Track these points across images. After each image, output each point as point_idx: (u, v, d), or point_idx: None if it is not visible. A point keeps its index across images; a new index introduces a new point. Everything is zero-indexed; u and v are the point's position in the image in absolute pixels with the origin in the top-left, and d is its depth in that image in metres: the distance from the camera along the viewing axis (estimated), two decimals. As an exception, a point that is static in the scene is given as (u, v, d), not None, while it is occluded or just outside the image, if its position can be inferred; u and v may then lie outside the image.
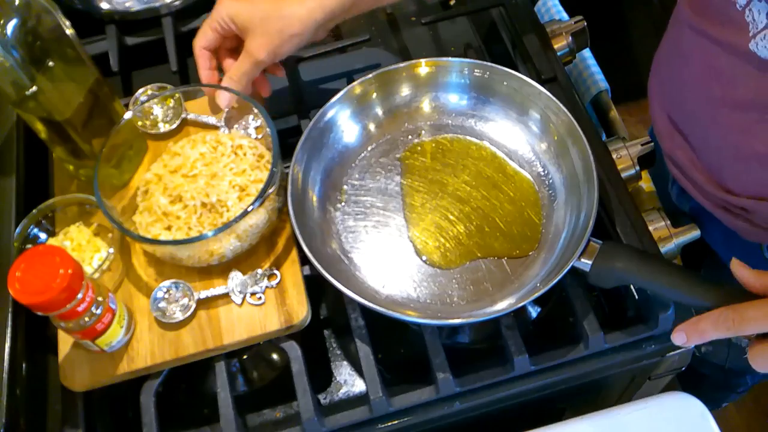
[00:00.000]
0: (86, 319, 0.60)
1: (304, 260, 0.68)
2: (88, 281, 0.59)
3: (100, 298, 0.61)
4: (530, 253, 0.70)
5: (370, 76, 0.76)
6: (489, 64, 0.76)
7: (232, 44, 0.75)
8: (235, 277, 0.67)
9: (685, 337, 0.57)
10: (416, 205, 0.74)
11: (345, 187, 0.76)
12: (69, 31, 0.64)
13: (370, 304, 0.63)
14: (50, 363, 0.68)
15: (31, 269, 0.55)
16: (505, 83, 0.76)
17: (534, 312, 0.76)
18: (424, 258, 0.71)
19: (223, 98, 0.72)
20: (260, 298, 0.67)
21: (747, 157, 0.70)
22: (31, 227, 0.70)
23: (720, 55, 0.67)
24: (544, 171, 0.75)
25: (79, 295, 0.57)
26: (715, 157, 0.75)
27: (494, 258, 0.70)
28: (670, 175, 0.86)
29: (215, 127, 0.76)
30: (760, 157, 0.69)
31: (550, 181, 0.74)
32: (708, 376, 1.17)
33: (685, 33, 0.73)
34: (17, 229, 0.69)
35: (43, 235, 0.71)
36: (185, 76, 0.92)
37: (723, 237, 0.84)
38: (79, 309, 0.58)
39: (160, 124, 0.77)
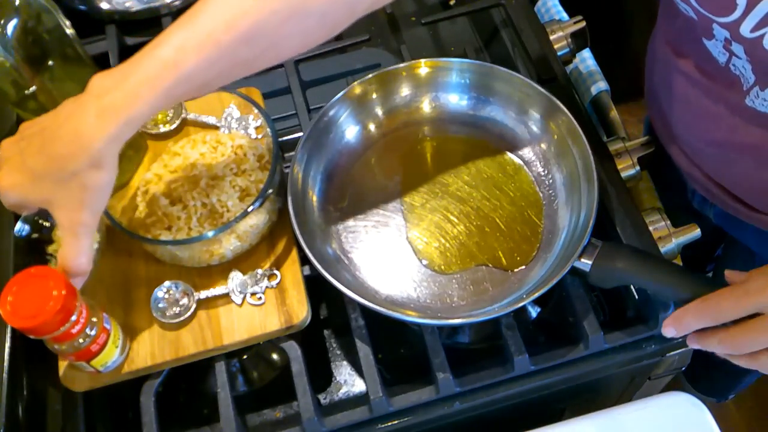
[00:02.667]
0: (81, 340, 0.59)
1: (304, 260, 0.68)
2: (82, 302, 0.58)
3: (94, 319, 0.59)
4: (531, 259, 0.70)
5: (370, 76, 0.76)
6: (489, 64, 0.76)
7: None
8: (235, 277, 0.67)
9: (674, 330, 0.57)
10: (416, 205, 0.74)
11: (345, 187, 0.76)
12: (69, 31, 0.64)
13: (370, 304, 0.63)
14: (50, 363, 0.68)
15: (24, 292, 0.54)
16: (505, 83, 0.76)
17: (534, 312, 0.76)
18: (424, 261, 0.70)
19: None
20: (260, 298, 0.67)
21: None
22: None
23: (717, 104, 0.66)
24: (544, 171, 0.75)
25: (73, 317, 0.56)
26: (739, 185, 0.73)
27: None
28: (688, 185, 0.85)
29: (215, 127, 0.76)
30: None
31: (551, 181, 0.74)
32: (718, 362, 1.16)
33: (676, 77, 0.71)
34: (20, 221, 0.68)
35: (46, 223, 0.70)
36: (185, 76, 0.92)
37: (755, 234, 0.81)
38: (74, 331, 0.57)
39: (160, 124, 0.77)
